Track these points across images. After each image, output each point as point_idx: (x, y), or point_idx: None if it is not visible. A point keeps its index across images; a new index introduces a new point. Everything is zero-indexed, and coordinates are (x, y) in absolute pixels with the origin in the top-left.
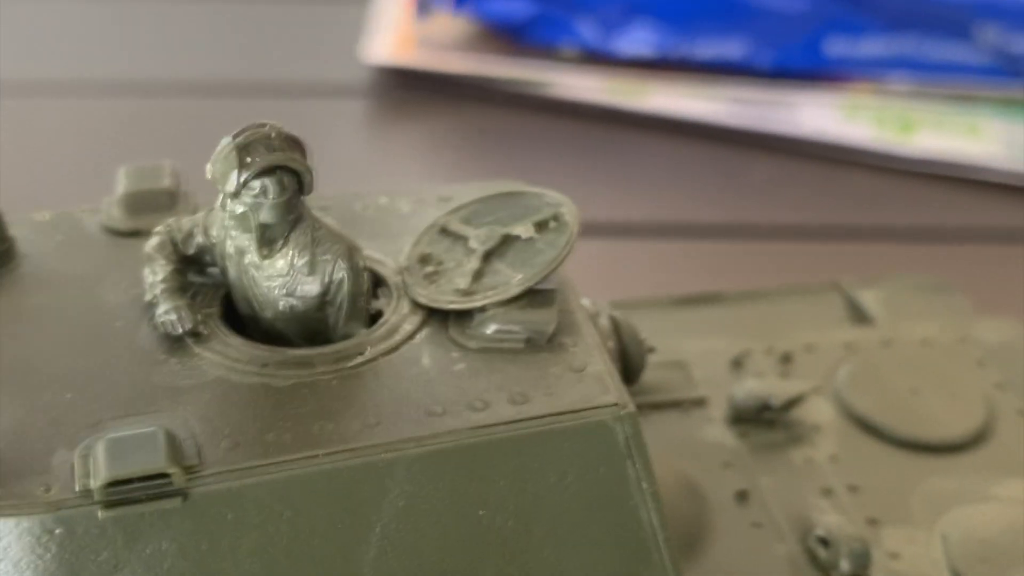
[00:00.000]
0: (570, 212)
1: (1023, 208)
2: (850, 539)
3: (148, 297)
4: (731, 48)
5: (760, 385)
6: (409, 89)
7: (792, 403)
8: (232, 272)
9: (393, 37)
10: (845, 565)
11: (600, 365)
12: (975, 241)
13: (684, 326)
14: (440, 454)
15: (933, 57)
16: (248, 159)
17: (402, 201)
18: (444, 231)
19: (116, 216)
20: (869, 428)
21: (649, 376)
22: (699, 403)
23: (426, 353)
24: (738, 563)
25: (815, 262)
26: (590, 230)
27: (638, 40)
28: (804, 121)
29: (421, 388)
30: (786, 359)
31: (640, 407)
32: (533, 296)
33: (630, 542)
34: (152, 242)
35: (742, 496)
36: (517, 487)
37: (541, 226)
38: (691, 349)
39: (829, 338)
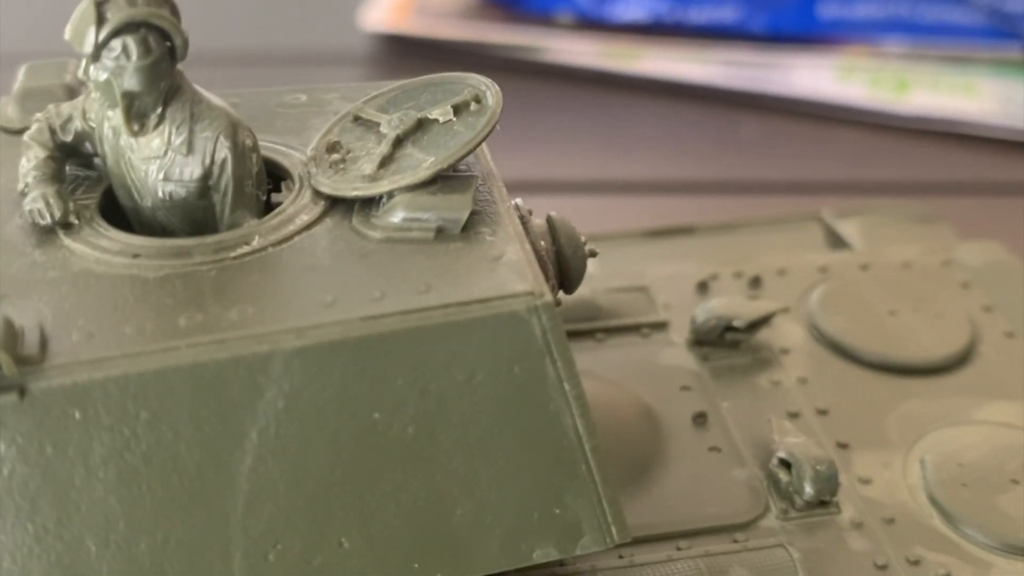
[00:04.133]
0: (493, 94)
1: (1019, 162)
2: (815, 461)
3: (19, 186)
4: (725, 12)
5: (724, 305)
6: (407, 56)
7: (758, 324)
8: (110, 157)
9: (391, 5)
10: (809, 489)
11: (519, 255)
12: (970, 194)
13: (654, 255)
14: (325, 347)
15: (928, 19)
16: (106, 14)
17: (327, 95)
18: (357, 119)
19: (10, 114)
20: (842, 351)
21: (608, 300)
22: (660, 327)
23: (323, 244)
24: (693, 489)
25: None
26: (583, 188)
27: (633, 6)
28: (798, 82)
29: (313, 279)
30: (755, 283)
31: (597, 332)
32: (446, 182)
33: (551, 451)
34: (31, 129)
35: (700, 419)
36: (418, 387)
37: (460, 109)
38: (656, 275)
39: (803, 262)
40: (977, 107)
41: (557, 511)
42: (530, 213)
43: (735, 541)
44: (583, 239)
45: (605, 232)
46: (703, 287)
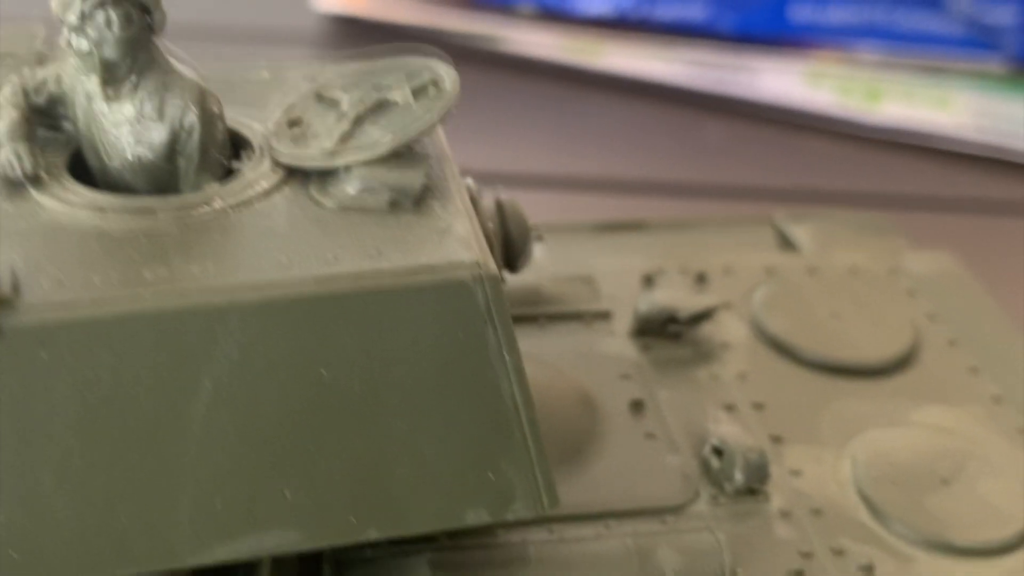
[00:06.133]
0: (450, 80)
1: (992, 178)
2: (746, 450)
3: None
4: (693, 10)
5: (667, 297)
6: (361, 39)
7: (700, 317)
8: (82, 120)
9: None
10: (739, 477)
11: (467, 229)
12: (935, 210)
13: (602, 248)
14: (279, 304)
15: (903, 26)
16: None
17: (289, 73)
18: (319, 97)
19: None
20: (783, 349)
21: (553, 288)
22: (603, 316)
23: (281, 209)
24: (626, 473)
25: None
26: (536, 182)
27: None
28: (765, 86)
29: (270, 241)
30: (701, 279)
31: (540, 317)
32: (400, 157)
33: (489, 417)
34: (4, 91)
35: (637, 406)
36: (365, 347)
37: (418, 92)
38: (602, 267)
39: (749, 261)
40: (950, 120)
41: (491, 475)
42: (478, 192)
43: (664, 523)
44: (530, 222)
45: (555, 224)
46: (648, 280)
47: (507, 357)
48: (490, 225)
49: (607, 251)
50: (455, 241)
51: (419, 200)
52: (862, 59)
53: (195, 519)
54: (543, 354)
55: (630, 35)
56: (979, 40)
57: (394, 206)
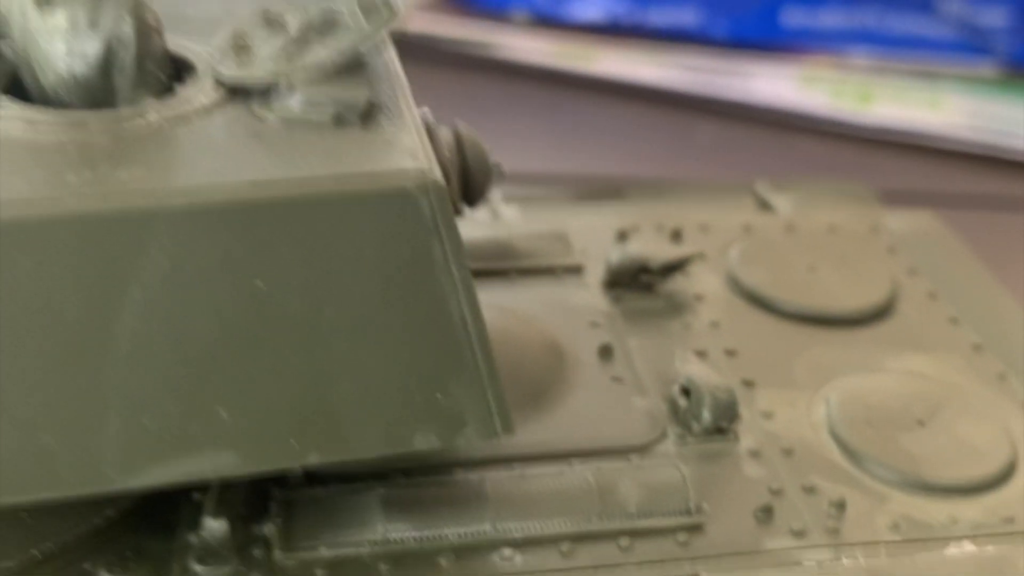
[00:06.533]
0: (402, 2)
1: (984, 176)
2: (715, 388)
3: None
4: (685, 16)
5: (639, 248)
6: None
7: (673, 267)
8: (17, 36)
9: None
10: (707, 415)
11: (414, 141)
12: (927, 206)
13: (579, 211)
14: (211, 210)
15: (895, 30)
16: None
17: (241, 8)
18: (267, 19)
19: None
20: (758, 300)
21: (524, 244)
22: (575, 270)
23: (219, 123)
24: (592, 415)
25: None
26: (535, 186)
27: (590, 6)
28: (758, 89)
29: (206, 153)
30: (676, 235)
31: (510, 271)
32: (347, 73)
33: (436, 336)
34: None
35: (605, 351)
36: (303, 258)
37: (368, 11)
38: (577, 225)
39: (727, 219)
40: (941, 120)
41: (440, 397)
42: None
43: (628, 461)
44: (490, 153)
45: (532, 194)
46: (623, 236)
47: (455, 272)
48: (447, 154)
49: (584, 213)
50: (400, 151)
51: (366, 116)
52: (854, 64)
53: (124, 439)
54: (511, 305)
55: (623, 41)
56: (970, 44)
57: (339, 121)
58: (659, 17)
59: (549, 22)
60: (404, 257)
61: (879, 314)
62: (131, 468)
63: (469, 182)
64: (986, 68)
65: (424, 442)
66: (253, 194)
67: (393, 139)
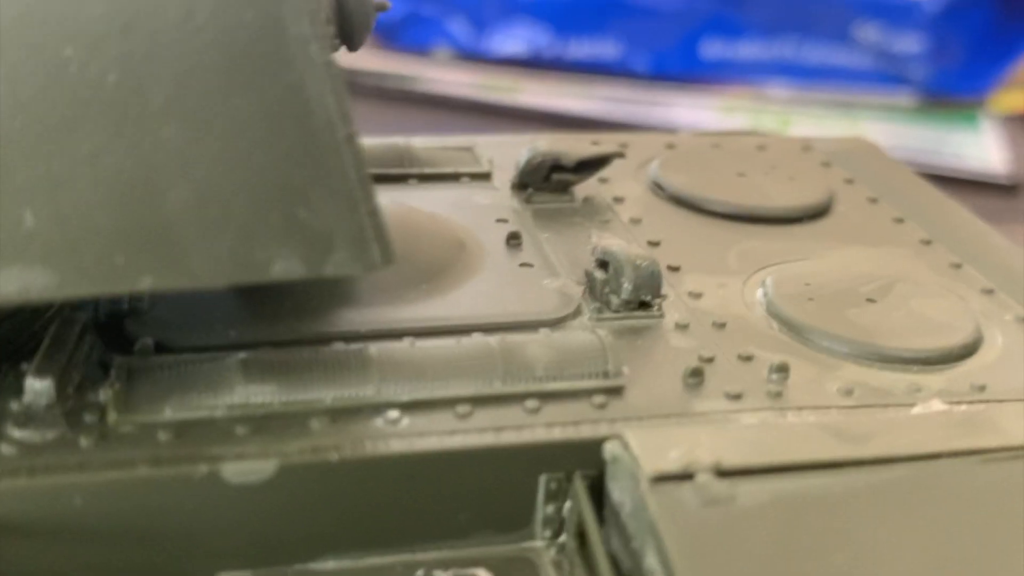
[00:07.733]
0: None
1: None
2: (636, 258)
3: None
4: (605, 49)
5: (552, 144)
6: None
7: (591, 164)
8: None
9: None
10: (628, 286)
11: None
12: None
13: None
14: None
15: (812, 61)
16: None
17: None
18: None
19: None
20: (683, 202)
21: (427, 153)
22: (482, 177)
23: None
24: (497, 295)
25: None
26: None
27: (512, 40)
28: (679, 117)
29: None
30: (594, 143)
31: (410, 177)
32: None
33: (292, 132)
34: None
35: (514, 240)
36: (121, 21)
37: None
38: (484, 141)
39: (649, 139)
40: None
41: (302, 213)
42: None
43: (537, 333)
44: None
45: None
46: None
47: (315, 49)
48: None
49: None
50: None
51: None
52: (773, 95)
53: None
54: (412, 203)
55: (545, 73)
56: (887, 73)
57: None
58: (580, 50)
59: (471, 57)
60: (248, 26)
61: (817, 214)
62: None
63: (347, 19)
64: (903, 97)
65: (285, 270)
66: None
67: None
